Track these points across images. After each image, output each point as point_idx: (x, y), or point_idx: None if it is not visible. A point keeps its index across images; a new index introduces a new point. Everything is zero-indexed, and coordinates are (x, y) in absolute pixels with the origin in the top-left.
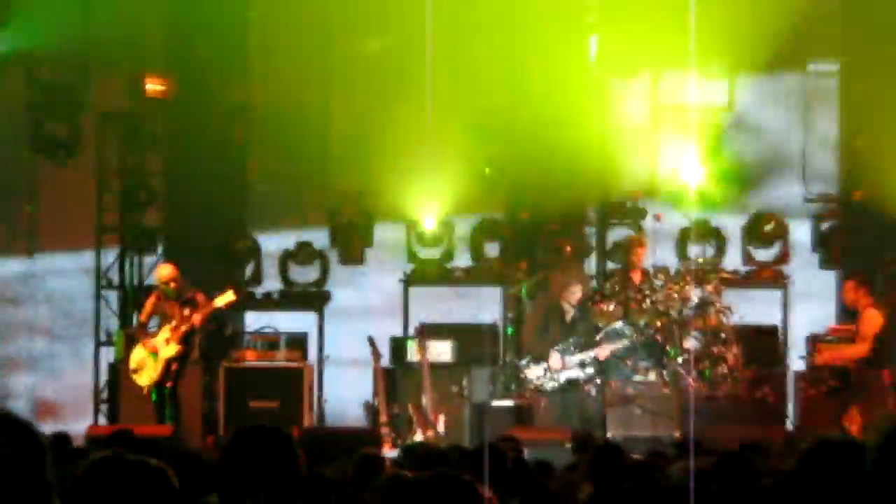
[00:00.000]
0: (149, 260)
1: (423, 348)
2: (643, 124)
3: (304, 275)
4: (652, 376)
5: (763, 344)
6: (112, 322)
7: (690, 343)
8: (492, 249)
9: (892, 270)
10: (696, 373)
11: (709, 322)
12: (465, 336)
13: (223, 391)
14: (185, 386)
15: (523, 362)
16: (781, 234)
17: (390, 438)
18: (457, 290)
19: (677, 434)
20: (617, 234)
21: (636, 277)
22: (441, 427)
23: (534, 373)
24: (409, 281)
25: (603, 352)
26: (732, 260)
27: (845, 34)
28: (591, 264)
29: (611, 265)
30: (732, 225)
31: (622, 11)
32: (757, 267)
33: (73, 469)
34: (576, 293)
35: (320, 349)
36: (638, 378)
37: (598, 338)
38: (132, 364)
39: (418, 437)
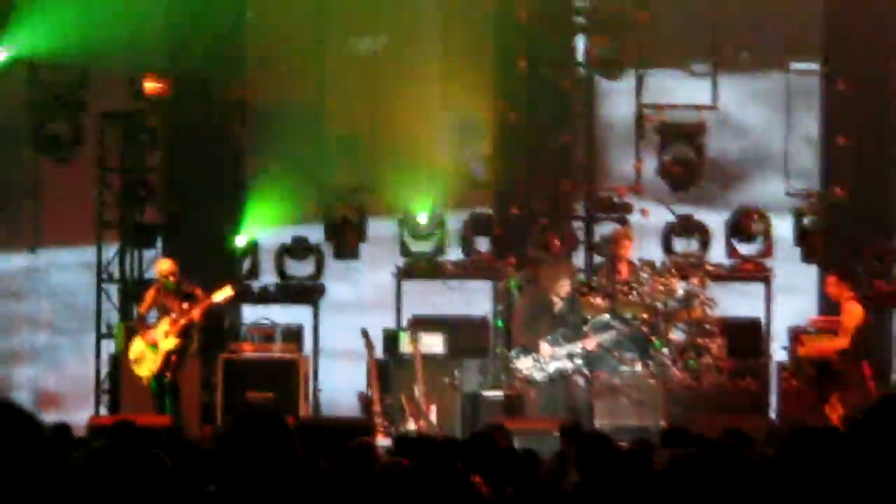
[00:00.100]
0: (148, 255)
1: (415, 340)
2: (629, 122)
3: (300, 269)
4: (638, 367)
5: (746, 336)
6: (112, 315)
7: (676, 335)
8: (482, 244)
9: (873, 264)
10: (681, 364)
11: (693, 314)
12: (457, 328)
13: (221, 382)
14: (183, 377)
15: (513, 354)
16: (764, 229)
17: (383, 428)
18: (448, 284)
19: (663, 423)
20: (604, 228)
21: (623, 271)
22: (433, 417)
23: (523, 364)
24: (401, 275)
25: (590, 343)
26: (716, 254)
27: (827, 33)
28: (578, 258)
29: (598, 259)
30: (716, 220)
31: (609, 12)
32: (740, 261)
33: (73, 458)
34: (564, 286)
35: (315, 342)
36: (625, 369)
37: (585, 330)
38: (132, 356)
39: (411, 426)
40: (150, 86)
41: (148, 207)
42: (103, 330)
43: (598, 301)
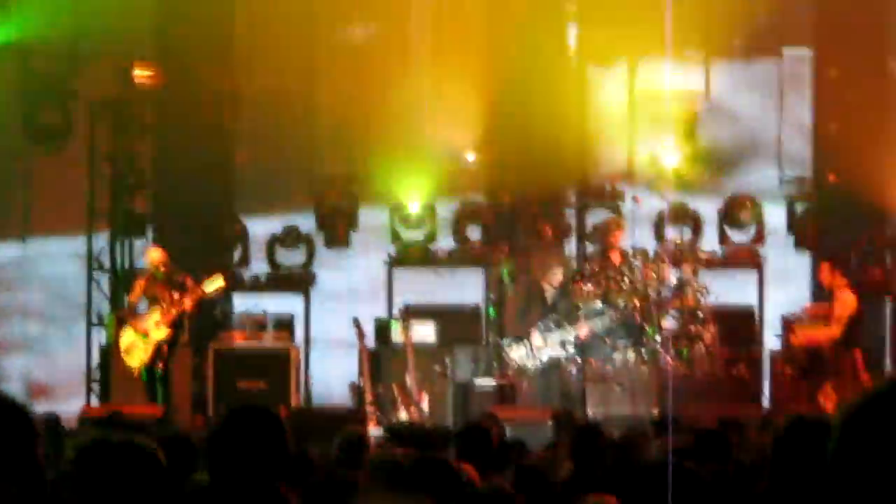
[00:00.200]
0: (139, 244)
1: (407, 329)
2: (621, 110)
3: (291, 258)
4: (630, 355)
5: (739, 324)
6: (103, 305)
7: (668, 323)
8: (473, 232)
9: (866, 251)
10: (673, 352)
11: (686, 302)
12: (448, 317)
13: (212, 372)
14: (174, 367)
15: (505, 342)
16: (756, 216)
17: (375, 417)
18: (439, 273)
19: (655, 412)
20: (596, 216)
21: (615, 259)
22: (425, 406)
23: (516, 353)
24: (393, 263)
25: (583, 331)
26: (709, 242)
27: (818, 20)
28: (570, 246)
29: (590, 247)
30: (709, 208)
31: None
32: (733, 249)
33: (63, 450)
34: (556, 274)
35: (306, 331)
36: (617, 357)
37: (577, 318)
38: (123, 346)
39: (402, 416)
40: (140, 74)
41: (138, 196)
42: (94, 320)
43: (590, 289)
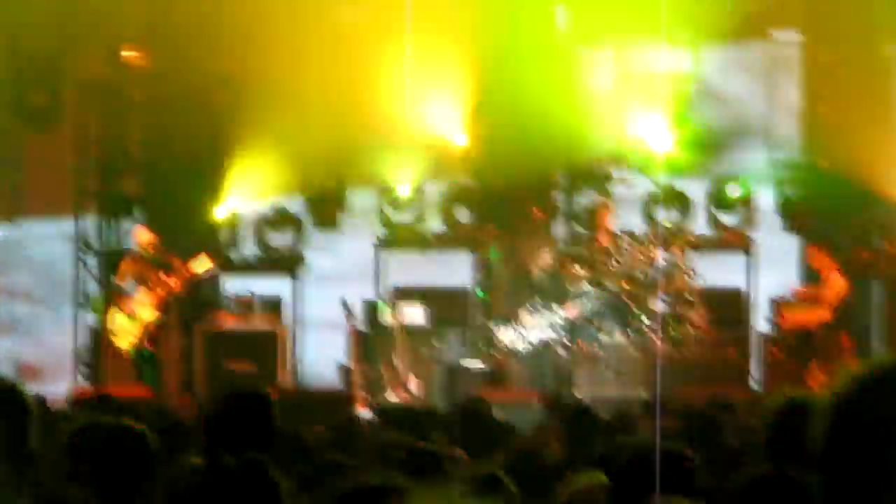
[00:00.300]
0: (127, 225)
1: (395, 311)
2: (610, 92)
3: (280, 240)
4: (619, 337)
5: (728, 306)
6: (92, 286)
7: (657, 305)
8: (462, 214)
9: (855, 234)
10: (662, 334)
11: (675, 284)
12: (437, 299)
13: (200, 353)
14: (163, 348)
15: (494, 324)
16: (746, 198)
17: (364, 399)
18: (428, 255)
19: (644, 394)
20: (584, 198)
21: (603, 241)
22: (413, 388)
23: (504, 335)
24: (381, 245)
25: (571, 313)
26: (698, 224)
27: (809, 4)
28: (559, 228)
29: (578, 229)
30: (698, 190)
31: None
32: (722, 231)
33: (52, 433)
34: (544, 256)
35: (295, 312)
36: (605, 339)
37: (566, 300)
38: (111, 327)
39: (391, 398)
40: (130, 55)
41: (127, 178)
42: (82, 301)
43: (579, 271)
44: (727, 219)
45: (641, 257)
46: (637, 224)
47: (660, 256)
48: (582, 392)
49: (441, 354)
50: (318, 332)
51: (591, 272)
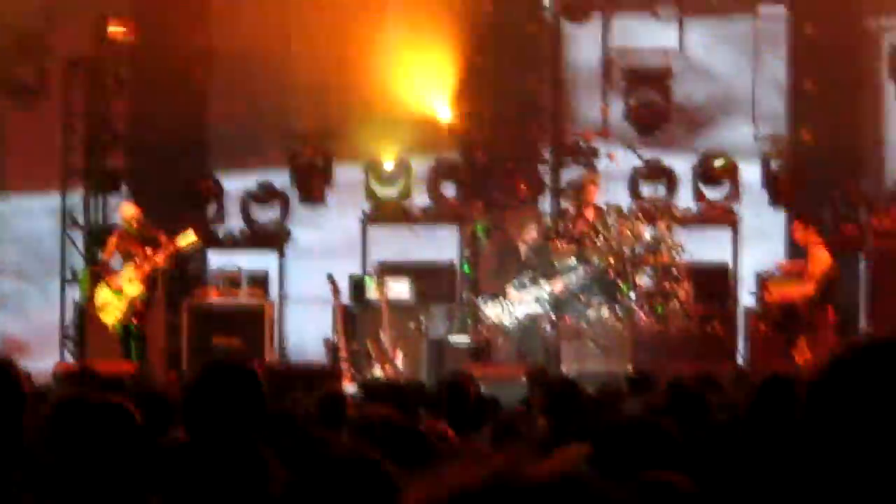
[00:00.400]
0: (113, 201)
1: (381, 286)
2: (596, 66)
3: (266, 214)
4: (605, 312)
5: (714, 281)
6: (78, 261)
7: (643, 280)
8: (448, 189)
9: (840, 209)
10: (648, 308)
11: (660, 259)
12: (423, 274)
13: (186, 329)
14: (149, 323)
15: (480, 299)
16: (731, 173)
17: (350, 374)
18: (414, 229)
19: (630, 368)
20: (570, 173)
21: (589, 215)
22: (399, 363)
23: (491, 310)
24: (367, 220)
25: (557, 288)
26: (683, 199)
27: None
28: (545, 203)
29: (565, 204)
30: (683, 165)
31: None
32: (707, 205)
33: (36, 409)
34: (531, 231)
35: (281, 287)
36: (591, 314)
37: (552, 274)
38: (97, 302)
39: (377, 372)
40: (115, 31)
41: (113, 153)
42: (68, 276)
43: (565, 246)
44: (713, 193)
45: (627, 232)
46: (623, 199)
47: (645, 231)
48: (568, 367)
49: (427, 329)
50: (304, 307)
51: (577, 247)
